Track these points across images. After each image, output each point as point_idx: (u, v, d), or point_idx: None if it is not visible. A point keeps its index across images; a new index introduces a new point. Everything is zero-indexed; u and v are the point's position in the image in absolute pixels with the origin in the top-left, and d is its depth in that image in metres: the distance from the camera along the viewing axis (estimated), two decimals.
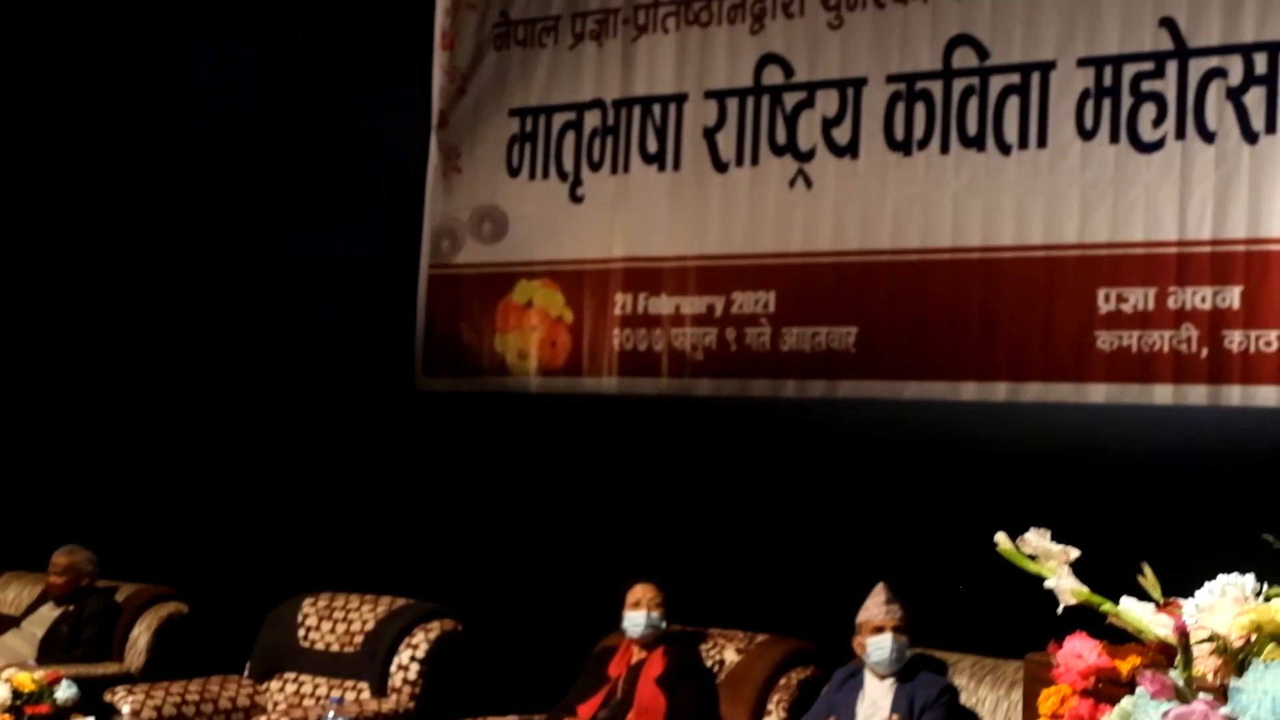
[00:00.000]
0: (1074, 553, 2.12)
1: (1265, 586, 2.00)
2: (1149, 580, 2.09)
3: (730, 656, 6.03)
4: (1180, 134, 5.83)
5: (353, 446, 7.64)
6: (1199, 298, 5.76)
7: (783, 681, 5.88)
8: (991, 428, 6.03)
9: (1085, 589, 2.11)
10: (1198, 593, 2.01)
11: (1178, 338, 5.78)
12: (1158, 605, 2.08)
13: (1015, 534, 2.20)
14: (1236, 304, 5.70)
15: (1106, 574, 2.24)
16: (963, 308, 6.20)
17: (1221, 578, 2.01)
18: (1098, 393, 5.92)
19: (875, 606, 5.49)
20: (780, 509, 6.49)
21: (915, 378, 6.27)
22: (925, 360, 6.26)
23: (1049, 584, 2.11)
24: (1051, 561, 2.12)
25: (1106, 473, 5.76)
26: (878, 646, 5.45)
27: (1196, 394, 5.74)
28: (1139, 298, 5.86)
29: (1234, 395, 5.68)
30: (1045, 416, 5.96)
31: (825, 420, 6.43)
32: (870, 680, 5.50)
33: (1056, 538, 2.11)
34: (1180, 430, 5.69)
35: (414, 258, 7.53)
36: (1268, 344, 5.63)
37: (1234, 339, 5.69)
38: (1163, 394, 5.80)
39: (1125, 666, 2.01)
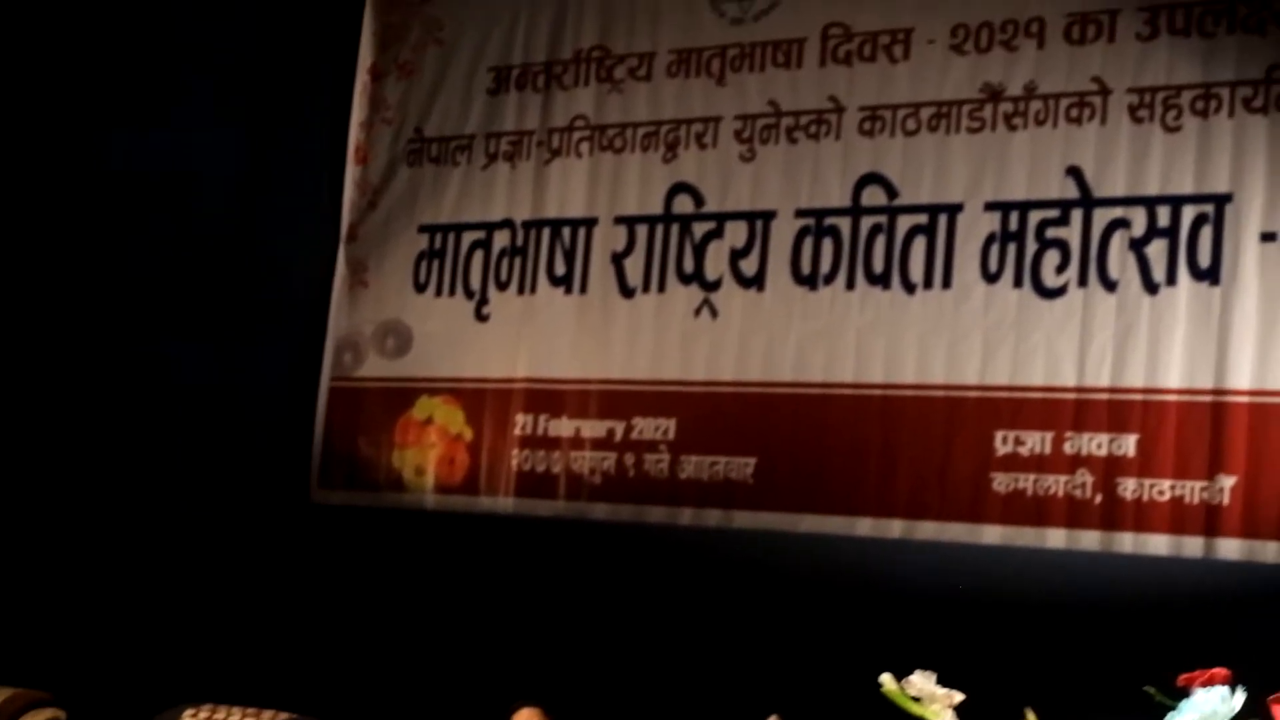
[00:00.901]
0: (957, 696, 2.11)
1: None
2: None
3: None
4: (1083, 282, 5.88)
5: (244, 557, 7.52)
6: (1095, 444, 5.79)
7: None
8: (886, 565, 6.00)
9: None
10: None
11: (1073, 483, 5.80)
12: None
13: (904, 674, 2.17)
14: (1132, 452, 5.72)
15: (994, 717, 2.21)
16: (862, 444, 6.20)
17: None
18: (992, 534, 5.92)
19: None
20: (674, 638, 6.42)
21: (812, 511, 6.25)
22: (823, 494, 6.24)
23: None
24: (935, 705, 2.11)
25: (998, 615, 5.73)
26: None
27: (1089, 539, 5.75)
28: (1036, 441, 5.88)
29: (1126, 542, 5.70)
30: (940, 556, 5.94)
31: (721, 550, 6.38)
32: None
33: (946, 679, 2.08)
34: (1072, 575, 5.69)
35: (315, 370, 7.45)
36: (1161, 493, 5.65)
37: (1128, 486, 5.71)
38: (1056, 538, 5.81)
39: None
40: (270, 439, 7.52)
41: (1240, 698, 1.82)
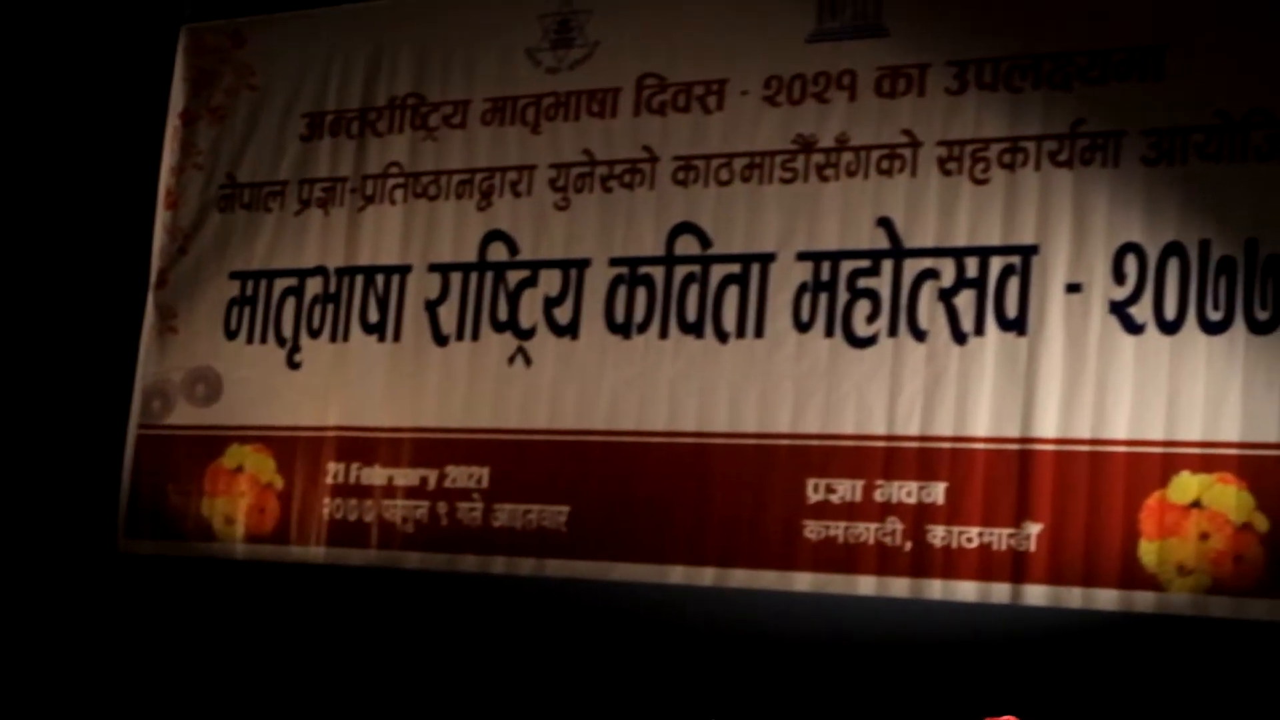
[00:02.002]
0: None
1: None
2: None
3: None
4: (893, 331, 5.90)
5: (49, 609, 7.31)
6: (905, 492, 5.80)
7: None
8: (699, 612, 5.97)
9: None
10: None
11: (883, 530, 5.81)
12: None
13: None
14: (941, 500, 5.74)
15: None
16: (674, 492, 6.16)
17: None
18: (804, 581, 5.90)
19: None
20: (487, 687, 6.33)
21: (625, 559, 6.20)
22: (635, 542, 6.19)
23: None
24: None
25: (811, 661, 5.72)
26: None
27: (899, 586, 5.76)
28: (847, 489, 5.88)
29: (935, 589, 5.71)
30: (752, 603, 5.91)
31: (534, 599, 6.32)
32: None
33: None
34: (883, 621, 5.69)
35: (123, 417, 7.28)
36: (969, 540, 5.67)
37: (937, 534, 5.73)
38: (867, 585, 5.80)
39: None
40: (76, 487, 7.33)
41: None
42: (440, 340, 6.69)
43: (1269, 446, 5.33)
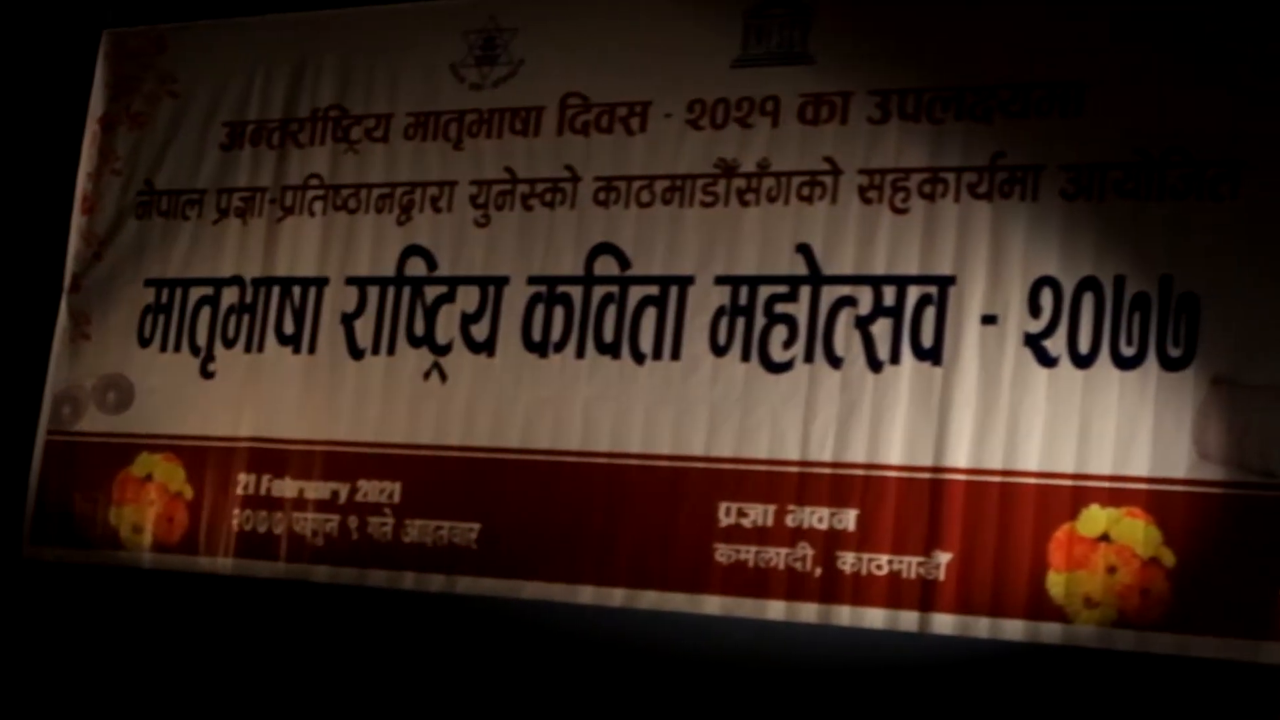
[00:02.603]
0: None
1: None
2: None
3: None
4: (809, 357, 5.88)
5: None
6: (816, 518, 5.78)
7: None
8: (608, 632, 5.93)
9: None
10: None
11: (794, 555, 5.78)
12: None
13: None
14: (852, 526, 5.72)
15: None
16: (586, 512, 6.12)
17: None
18: (713, 604, 5.87)
19: None
20: (393, 701, 6.27)
21: (535, 578, 6.15)
22: (546, 561, 6.15)
23: None
24: None
25: (719, 684, 5.70)
26: None
27: (808, 612, 5.73)
28: (759, 514, 5.86)
29: (844, 615, 5.69)
30: (662, 625, 5.88)
31: (443, 615, 6.26)
32: None
33: None
34: (791, 646, 5.67)
35: (31, 422, 7.17)
36: (879, 567, 5.66)
37: (847, 560, 5.71)
38: (776, 610, 5.77)
39: None
40: None
41: None
42: (356, 354, 6.62)
43: (1177, 482, 5.34)
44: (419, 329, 6.52)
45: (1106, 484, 5.42)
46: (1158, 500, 5.35)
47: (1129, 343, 5.45)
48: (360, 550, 6.47)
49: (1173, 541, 5.32)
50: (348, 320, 6.66)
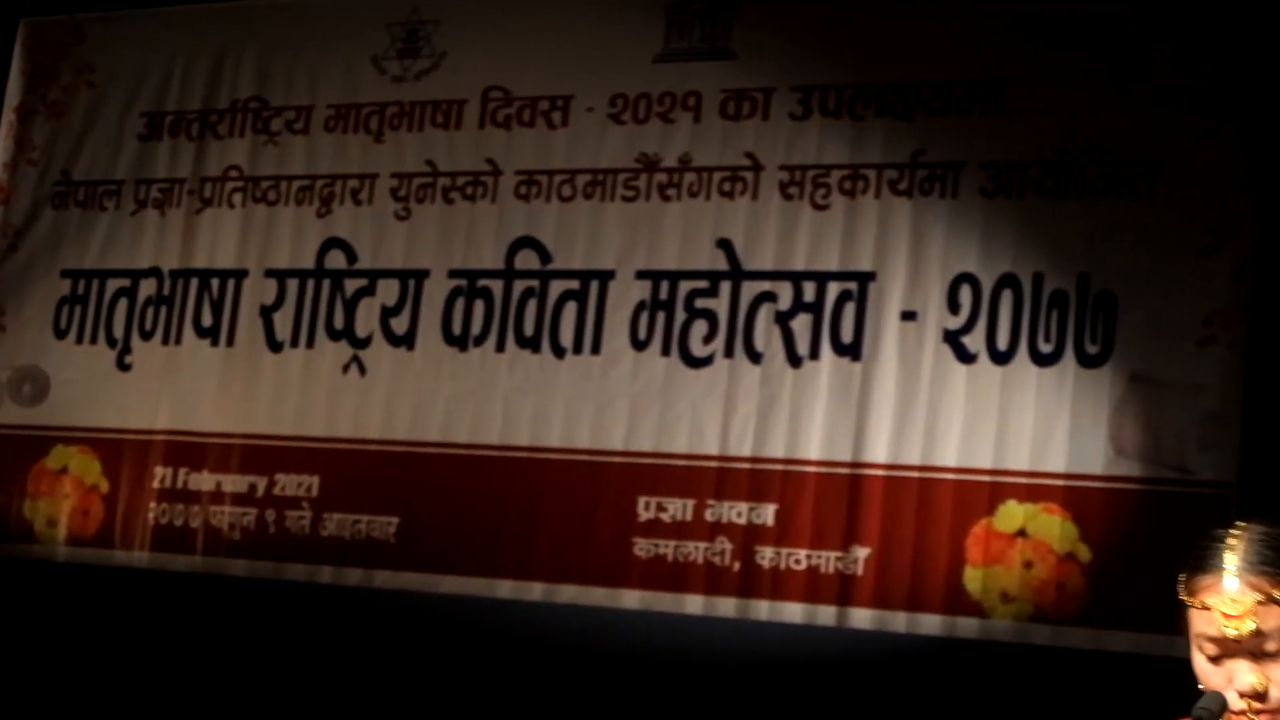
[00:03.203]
0: None
1: None
2: None
3: None
4: (729, 352, 5.85)
5: None
6: (735, 513, 5.74)
7: None
8: (527, 627, 5.88)
9: None
10: None
11: (712, 550, 5.75)
12: None
13: None
14: (770, 521, 5.69)
15: None
16: (505, 506, 6.06)
17: None
18: (632, 599, 5.83)
19: None
20: (310, 694, 6.19)
21: (454, 572, 6.09)
22: (465, 555, 6.09)
23: None
24: None
25: (638, 678, 5.66)
26: None
27: (727, 606, 5.70)
28: (678, 508, 5.82)
29: (763, 610, 5.66)
30: (580, 619, 5.83)
31: (361, 609, 6.19)
32: None
33: None
34: (710, 641, 5.64)
35: None
36: (797, 562, 5.63)
37: (766, 555, 5.68)
38: (695, 604, 5.74)
39: None
40: None
41: None
42: (275, 346, 6.54)
43: (1094, 478, 5.34)
44: (338, 322, 6.45)
45: (1024, 480, 5.41)
46: (1074, 496, 5.35)
47: (1047, 340, 5.45)
48: (278, 544, 6.39)
49: (1089, 537, 5.32)
50: (266, 313, 6.57)
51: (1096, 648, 5.24)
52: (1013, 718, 5.24)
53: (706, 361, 5.88)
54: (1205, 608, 2.35)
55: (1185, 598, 2.37)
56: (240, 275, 6.64)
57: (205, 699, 6.34)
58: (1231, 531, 2.40)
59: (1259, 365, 5.20)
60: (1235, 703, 2.33)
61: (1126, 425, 5.32)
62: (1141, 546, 5.22)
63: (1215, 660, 2.37)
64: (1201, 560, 2.39)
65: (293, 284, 6.55)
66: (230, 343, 6.62)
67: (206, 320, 6.67)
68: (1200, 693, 2.36)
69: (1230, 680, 2.34)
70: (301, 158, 6.63)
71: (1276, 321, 5.20)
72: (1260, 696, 2.32)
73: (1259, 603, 2.31)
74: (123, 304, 6.83)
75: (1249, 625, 2.30)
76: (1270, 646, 2.31)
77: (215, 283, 6.68)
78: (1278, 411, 5.18)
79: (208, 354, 6.65)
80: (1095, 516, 5.33)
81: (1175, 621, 2.46)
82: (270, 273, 6.60)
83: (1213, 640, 2.36)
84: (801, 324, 5.76)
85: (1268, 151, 5.25)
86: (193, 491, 6.57)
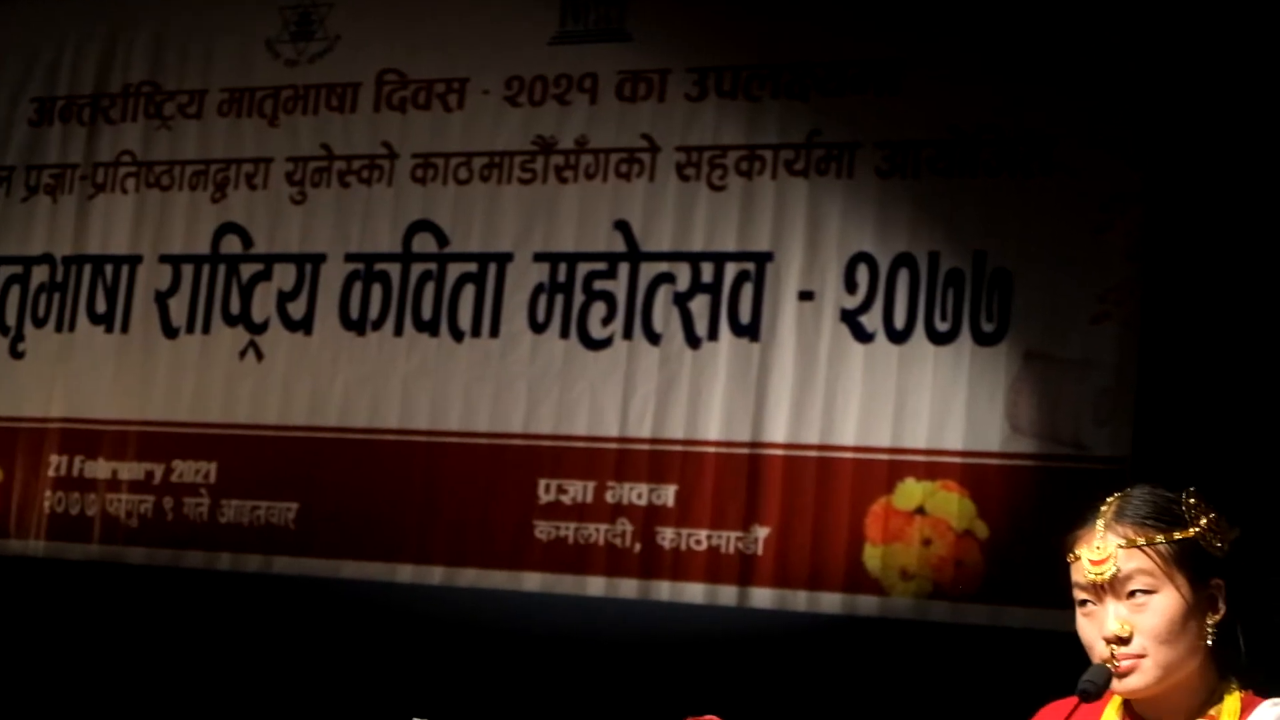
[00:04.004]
0: None
1: None
2: None
3: None
4: (628, 334, 5.79)
5: None
6: (636, 494, 5.69)
7: None
8: (429, 611, 5.80)
9: None
10: None
11: (613, 531, 5.69)
12: None
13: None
14: (671, 502, 5.65)
15: None
16: (405, 490, 5.98)
17: None
18: (533, 581, 5.77)
19: None
20: (210, 682, 6.08)
21: (354, 557, 6.00)
22: (365, 541, 6.00)
23: None
24: None
25: (539, 659, 5.60)
26: None
27: (628, 587, 5.66)
28: (578, 490, 5.76)
29: (664, 590, 5.61)
30: (481, 602, 5.76)
31: (261, 596, 6.08)
32: None
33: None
34: (612, 622, 5.59)
35: None
36: (698, 542, 5.58)
37: (666, 536, 5.63)
38: (596, 585, 5.69)
39: None
40: None
41: None
42: (170, 332, 6.41)
43: (991, 455, 5.32)
44: (234, 307, 6.33)
45: (922, 458, 5.39)
46: (972, 474, 5.33)
47: (943, 318, 5.42)
48: (176, 531, 6.27)
49: (986, 514, 5.30)
50: (161, 299, 6.44)
51: (994, 624, 5.23)
52: (913, 694, 5.21)
53: (605, 343, 5.81)
54: (1078, 558, 2.41)
55: (1066, 555, 2.44)
56: (134, 261, 6.50)
57: (103, 688, 6.22)
58: (1115, 493, 2.47)
59: (1152, 341, 5.20)
60: (1102, 651, 2.37)
61: (1023, 402, 5.30)
62: (1038, 523, 5.19)
63: (1088, 613, 2.41)
64: (1082, 518, 2.46)
65: (188, 269, 6.43)
66: (125, 329, 6.48)
67: (100, 307, 6.53)
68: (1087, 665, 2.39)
69: (1100, 630, 2.38)
70: (195, 142, 6.50)
71: (1169, 297, 5.20)
72: (1123, 641, 2.36)
73: (1120, 547, 2.38)
74: (15, 291, 6.69)
75: (1110, 569, 2.37)
76: (1131, 588, 2.37)
77: (109, 269, 6.54)
78: (1171, 387, 5.18)
79: (102, 341, 6.51)
80: (993, 493, 5.31)
81: (1071, 596, 2.47)
82: (165, 258, 6.47)
83: (1082, 588, 2.41)
84: (700, 305, 5.71)
85: (1157, 129, 5.24)
86: (89, 479, 6.44)
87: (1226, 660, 2.44)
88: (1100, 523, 2.40)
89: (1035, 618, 5.07)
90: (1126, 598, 2.38)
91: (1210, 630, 2.40)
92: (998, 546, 5.28)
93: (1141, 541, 2.38)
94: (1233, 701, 2.43)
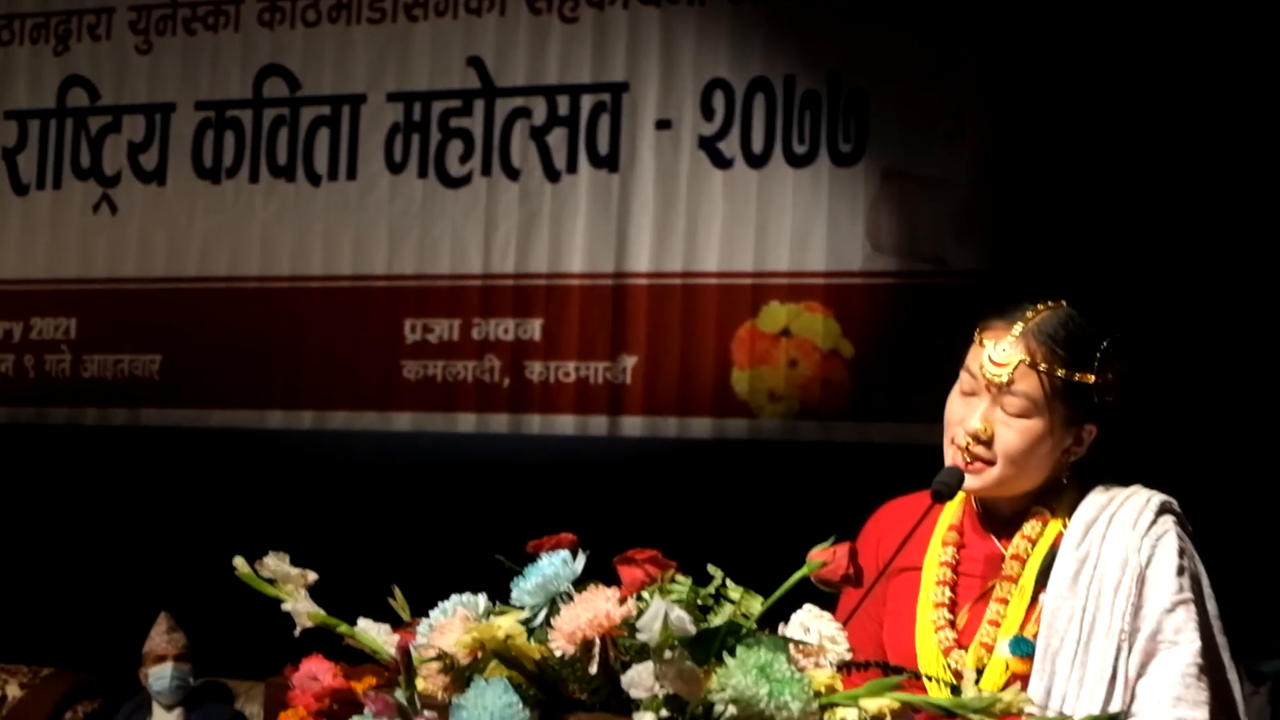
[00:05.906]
0: (311, 576, 1.94)
1: (495, 605, 1.84)
2: (399, 602, 1.93)
3: (13, 692, 5.50)
4: (486, 170, 5.61)
5: None
6: (502, 330, 5.54)
7: (68, 716, 5.41)
8: (299, 455, 5.63)
9: (321, 611, 1.92)
10: (431, 611, 1.85)
11: (481, 368, 5.54)
12: (399, 626, 1.90)
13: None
14: (538, 336, 5.51)
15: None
16: (270, 337, 5.80)
17: (454, 597, 1.85)
18: (403, 421, 5.62)
19: (158, 636, 5.17)
20: (68, 538, 5.88)
21: (221, 406, 5.82)
22: (232, 389, 5.82)
23: (285, 607, 1.93)
24: (289, 585, 1.93)
25: (411, 495, 5.48)
26: (159, 676, 5.12)
27: (499, 422, 5.54)
28: (445, 329, 5.60)
29: (534, 424, 5.49)
30: (353, 443, 5.60)
31: (128, 448, 5.88)
32: (158, 711, 5.17)
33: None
34: (484, 457, 5.45)
35: None
36: (566, 375, 5.45)
37: (535, 370, 5.50)
38: (466, 422, 5.55)
39: (360, 687, 1.86)
40: None
41: (581, 561, 1.80)
42: (20, 189, 6.14)
43: (852, 275, 5.22)
44: (85, 161, 6.06)
45: (785, 280, 5.28)
46: (835, 294, 5.23)
47: (801, 141, 5.29)
48: (38, 388, 6.05)
49: (851, 333, 5.21)
50: (9, 155, 6.16)
51: (862, 440, 5.15)
52: (784, 512, 5.10)
53: (464, 181, 5.63)
54: (982, 345, 2.35)
55: (976, 332, 2.36)
56: None
57: None
58: (1049, 302, 2.37)
59: (1007, 156, 5.10)
60: (960, 438, 2.32)
61: (882, 221, 5.20)
62: (901, 339, 5.14)
63: (965, 392, 2.36)
64: (1006, 308, 2.38)
65: (34, 125, 6.14)
66: None
67: None
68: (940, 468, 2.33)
69: (965, 421, 2.33)
70: None
71: (1022, 111, 5.09)
72: (979, 441, 2.31)
73: (1024, 363, 2.31)
74: None
75: (1004, 375, 2.31)
76: (1010, 406, 2.31)
77: None
78: (1027, 201, 5.08)
79: None
80: (856, 312, 5.23)
81: (936, 409, 2.35)
82: (10, 114, 6.19)
83: (971, 374, 2.35)
84: (557, 138, 5.54)
85: None
86: None
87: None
88: (1019, 327, 2.32)
89: (902, 432, 5.00)
90: (1003, 406, 2.31)
91: (1064, 467, 2.34)
92: (862, 364, 5.19)
93: (1043, 367, 2.30)
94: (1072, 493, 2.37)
